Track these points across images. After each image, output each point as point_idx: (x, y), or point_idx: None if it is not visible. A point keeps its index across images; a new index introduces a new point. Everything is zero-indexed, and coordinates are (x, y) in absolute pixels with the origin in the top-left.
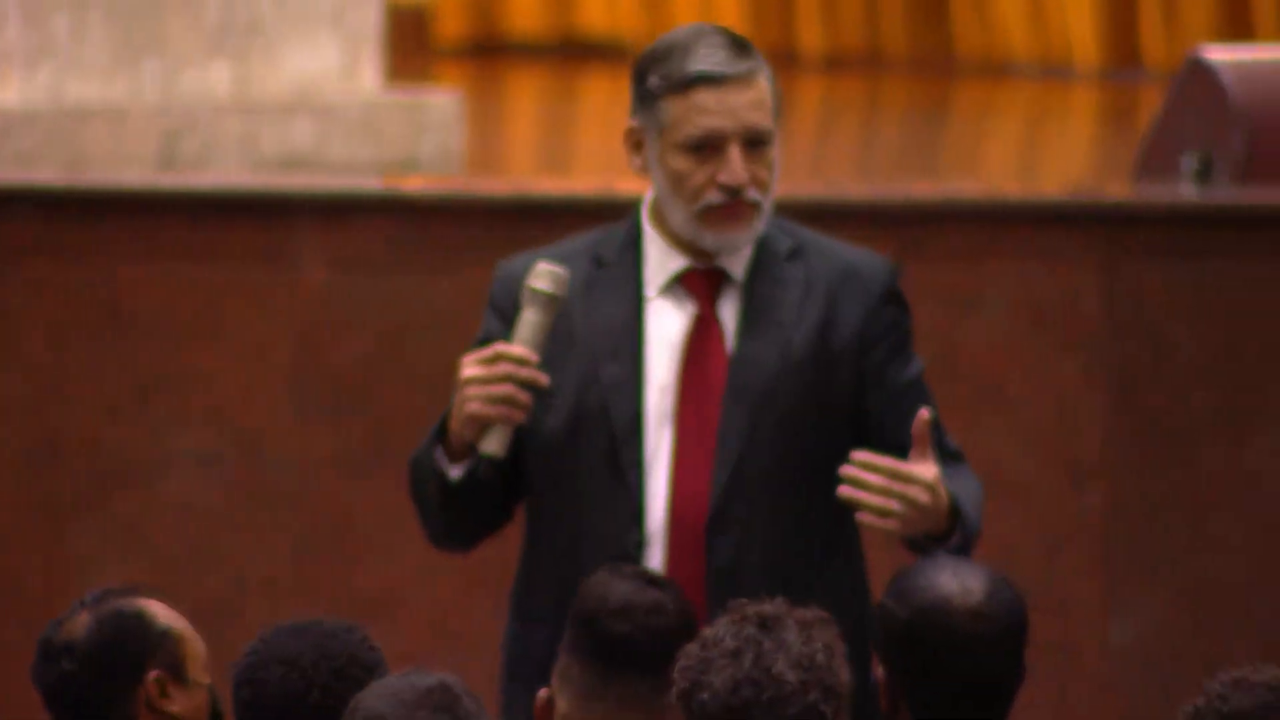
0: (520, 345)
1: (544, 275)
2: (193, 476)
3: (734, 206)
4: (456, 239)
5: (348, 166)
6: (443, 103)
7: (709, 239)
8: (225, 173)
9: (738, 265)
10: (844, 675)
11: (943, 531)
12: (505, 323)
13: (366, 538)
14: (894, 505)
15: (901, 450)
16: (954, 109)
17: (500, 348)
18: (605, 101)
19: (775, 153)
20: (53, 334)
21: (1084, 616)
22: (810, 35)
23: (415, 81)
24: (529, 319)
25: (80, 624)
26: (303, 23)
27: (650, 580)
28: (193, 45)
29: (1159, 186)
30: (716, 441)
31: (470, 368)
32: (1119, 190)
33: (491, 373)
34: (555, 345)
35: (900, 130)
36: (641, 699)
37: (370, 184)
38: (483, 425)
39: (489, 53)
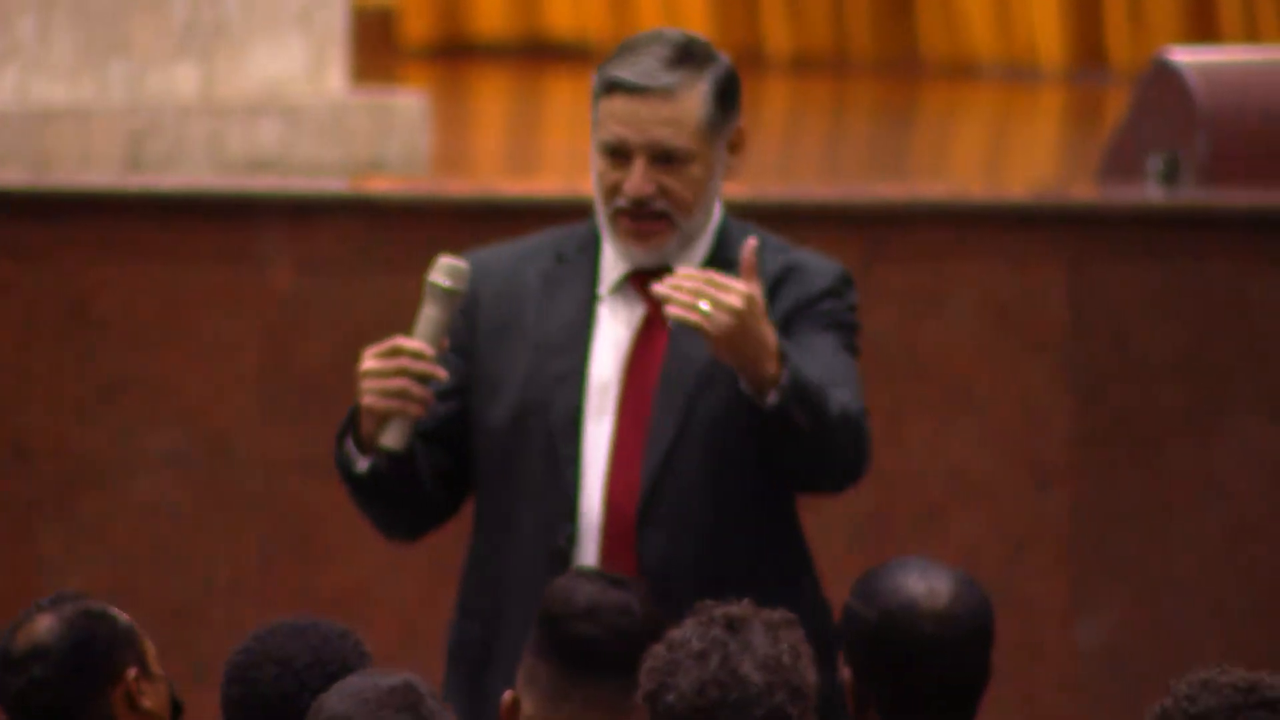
0: (418, 339)
1: (443, 270)
2: (160, 478)
3: (640, 221)
4: (423, 240)
5: (314, 168)
6: (409, 104)
7: (620, 248)
8: (192, 174)
9: (688, 266)
10: (810, 676)
11: (769, 375)
12: (463, 315)
13: (333, 538)
14: (703, 304)
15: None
16: (920, 110)
17: (397, 341)
18: (571, 103)
19: (701, 170)
20: (18, 335)
21: (1049, 617)
22: (776, 36)
23: (381, 83)
24: (427, 313)
25: (44, 628)
26: (269, 24)
27: (616, 581)
28: (159, 46)
29: (1124, 188)
30: (646, 438)
31: (368, 361)
32: (1084, 191)
33: (386, 366)
34: (507, 339)
35: (866, 131)
36: (608, 700)
37: (336, 185)
38: (381, 419)
39: (455, 54)
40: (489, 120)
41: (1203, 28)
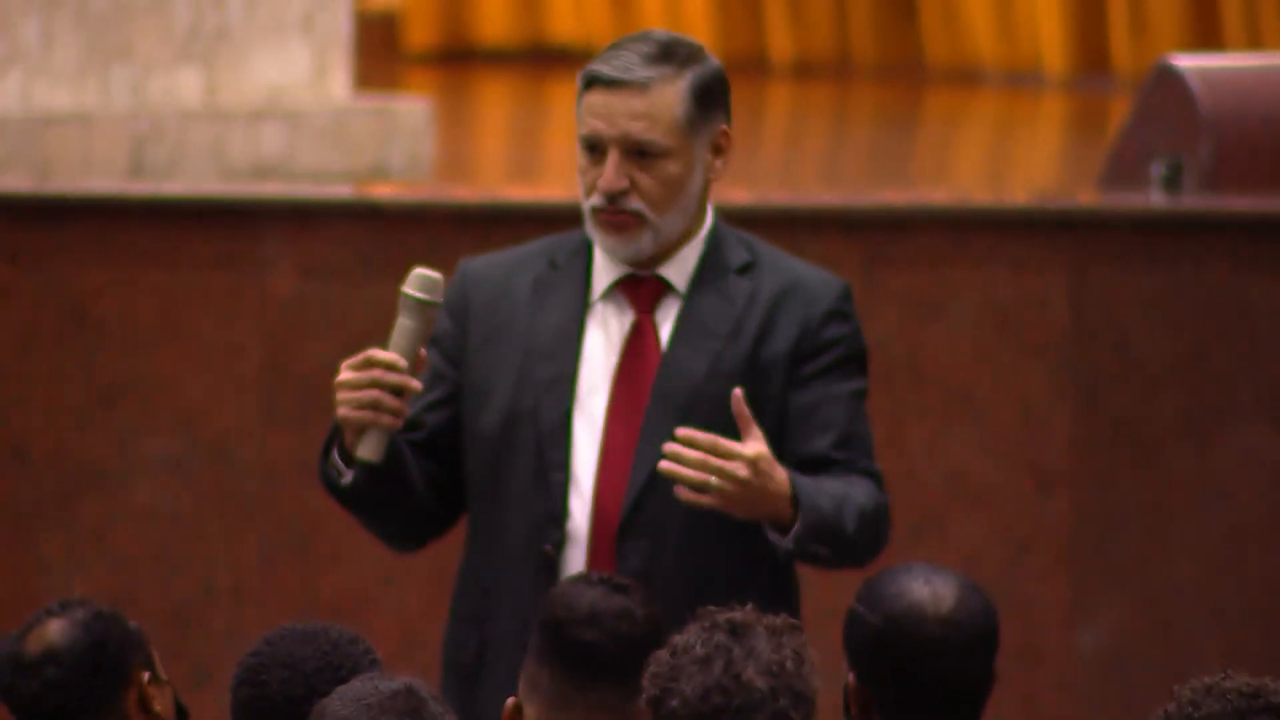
0: (393, 349)
1: (416, 281)
2: (160, 482)
3: (615, 215)
4: (426, 245)
5: (317, 173)
6: (412, 110)
7: (598, 240)
8: (194, 179)
9: (679, 275)
10: (814, 682)
11: (786, 519)
12: (455, 323)
13: (333, 543)
14: (710, 479)
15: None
16: (922, 116)
17: (370, 353)
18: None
19: (678, 169)
20: (20, 340)
21: (1049, 620)
22: (779, 42)
23: (385, 88)
24: (402, 324)
25: (56, 631)
26: (272, 30)
27: (618, 587)
28: (162, 52)
29: (1126, 193)
30: (636, 447)
31: (343, 373)
32: (1086, 197)
33: (359, 377)
34: (498, 346)
35: (869, 137)
36: (611, 706)
37: (339, 191)
38: (358, 430)
39: (458, 59)
40: (492, 125)
41: (1206, 35)
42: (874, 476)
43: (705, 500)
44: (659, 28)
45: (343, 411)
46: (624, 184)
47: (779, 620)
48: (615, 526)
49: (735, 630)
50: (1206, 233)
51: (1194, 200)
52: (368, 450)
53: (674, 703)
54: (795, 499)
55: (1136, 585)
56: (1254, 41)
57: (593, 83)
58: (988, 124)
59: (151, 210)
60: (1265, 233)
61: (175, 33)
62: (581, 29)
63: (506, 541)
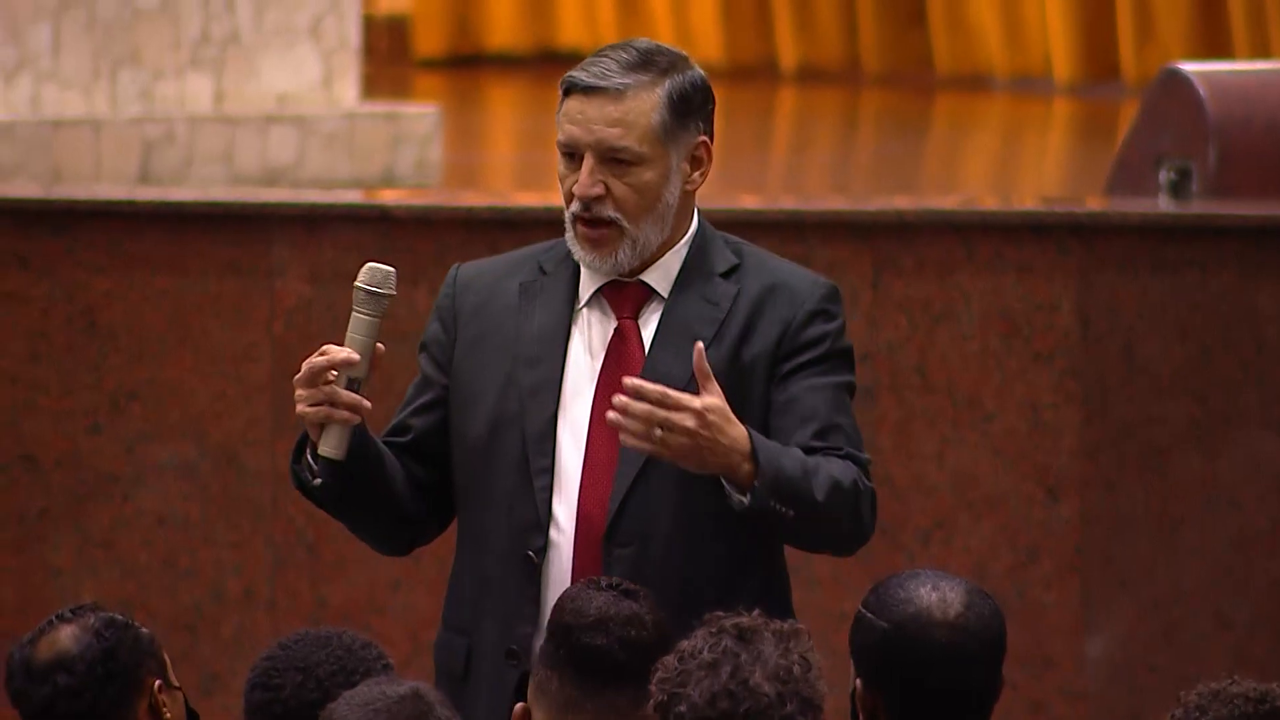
0: (349, 344)
1: (368, 274)
2: (170, 488)
3: (593, 227)
4: (434, 251)
5: (326, 179)
6: (420, 115)
7: (577, 254)
8: (203, 185)
9: (662, 280)
10: (821, 687)
11: (743, 475)
12: (444, 327)
13: (342, 549)
14: (655, 431)
15: None
16: (931, 122)
17: (325, 349)
18: None
19: (653, 177)
20: (30, 346)
21: (1057, 627)
22: (788, 47)
23: (393, 94)
24: (356, 318)
25: (68, 637)
26: (281, 36)
27: (627, 592)
28: (171, 58)
29: (1133, 199)
30: (619, 453)
31: (301, 371)
32: (1094, 203)
33: (313, 374)
34: (486, 351)
35: (878, 143)
36: (620, 711)
37: (348, 196)
38: (319, 427)
39: (466, 65)
40: (500, 131)
41: (1213, 42)
42: (858, 463)
43: (647, 448)
44: (669, 34)
45: (299, 408)
46: (598, 190)
47: (786, 625)
48: (600, 532)
49: (743, 635)
50: (1213, 238)
51: (1201, 206)
52: (329, 446)
53: (682, 708)
54: (754, 455)
55: (1144, 591)
56: (1261, 48)
57: (570, 89)
58: (996, 130)
59: (161, 216)
60: (1272, 238)
61: (185, 39)
62: (590, 34)
63: (492, 547)
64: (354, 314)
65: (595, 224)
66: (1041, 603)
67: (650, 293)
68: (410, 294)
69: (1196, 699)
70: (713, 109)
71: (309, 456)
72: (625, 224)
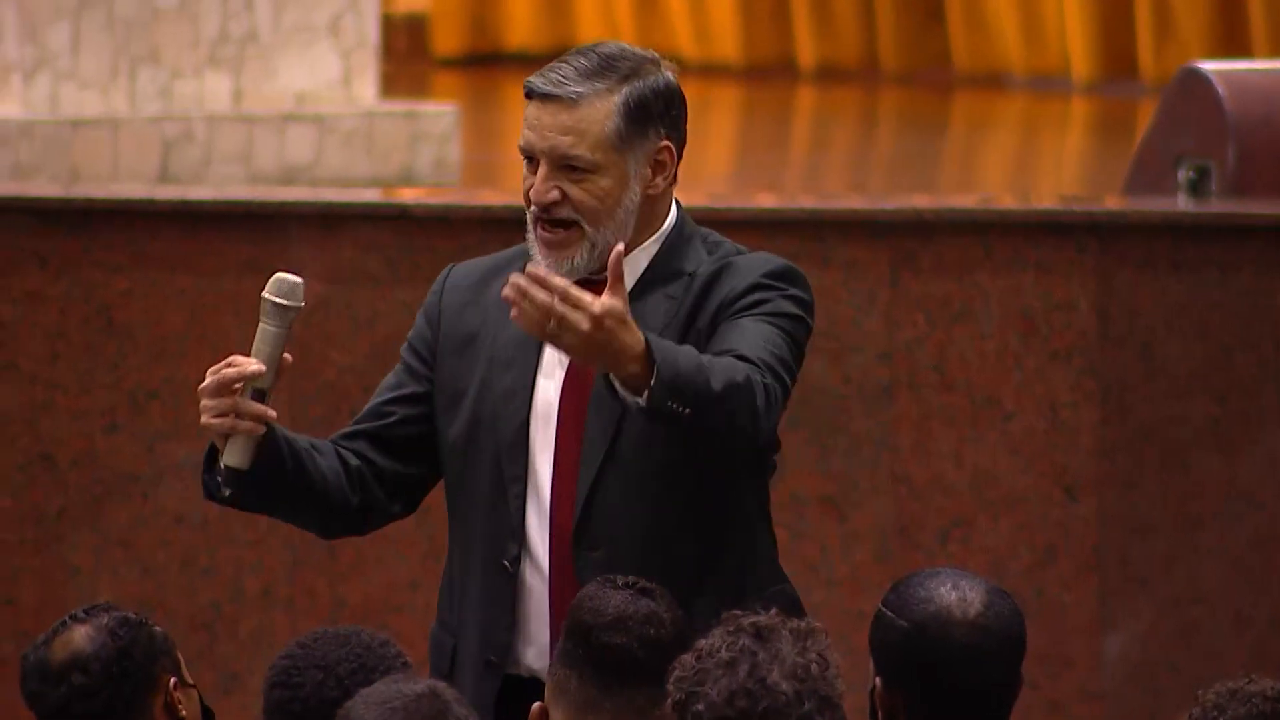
0: (255, 355)
1: (275, 285)
2: (188, 487)
3: (550, 230)
4: (453, 249)
5: (344, 178)
6: (439, 114)
7: (539, 257)
8: (222, 184)
9: (627, 279)
10: (839, 686)
11: (641, 379)
12: (429, 325)
13: (360, 548)
14: (550, 323)
15: None
16: (950, 121)
17: (231, 359)
18: None
19: (611, 183)
20: (48, 346)
21: (1076, 626)
22: (807, 46)
23: (412, 93)
24: (263, 329)
25: (82, 637)
26: (300, 34)
27: (644, 590)
28: (190, 57)
29: (1151, 198)
30: (580, 455)
31: (207, 380)
32: (1112, 202)
33: (217, 385)
34: (468, 352)
35: (896, 142)
36: (638, 709)
37: (367, 195)
38: (224, 437)
39: (485, 63)
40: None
41: (1231, 40)
42: (752, 363)
43: (537, 335)
44: (687, 33)
45: (204, 419)
46: (554, 195)
47: (803, 624)
48: (570, 538)
49: (760, 634)
50: (1232, 237)
51: (1220, 204)
52: (233, 457)
53: (700, 706)
54: (650, 357)
55: (1162, 590)
56: None
57: (529, 95)
58: (1014, 128)
59: (179, 215)
60: None
61: (203, 37)
62: (608, 32)
63: (473, 552)
64: (260, 325)
65: (555, 226)
66: (1060, 602)
67: None
68: (428, 292)
69: (1215, 698)
70: (679, 112)
71: (222, 464)
72: (586, 226)
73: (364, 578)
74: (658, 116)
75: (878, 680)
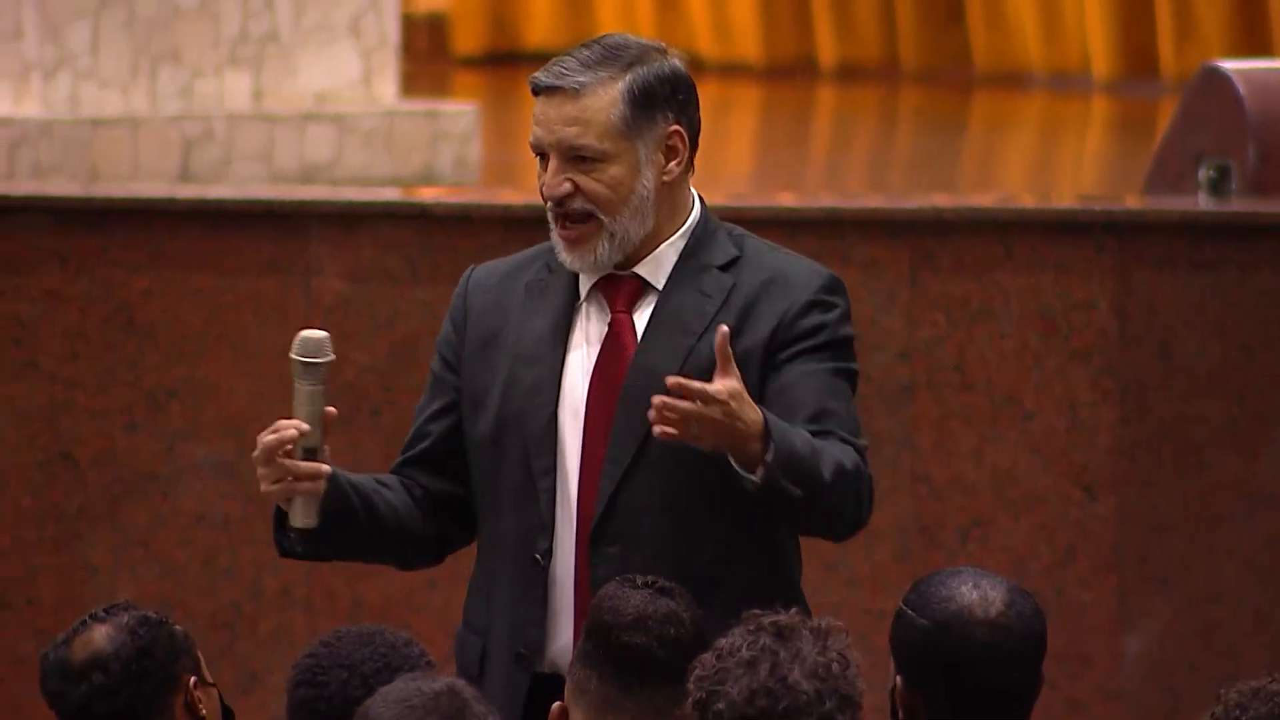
0: (297, 415)
1: (300, 345)
2: (208, 486)
3: (568, 227)
4: (473, 249)
5: (364, 177)
6: (460, 113)
7: (559, 255)
8: (242, 183)
9: (656, 273)
10: (860, 685)
11: (754, 454)
12: (455, 329)
13: None
14: (672, 416)
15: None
16: (969, 119)
17: (277, 425)
18: None
19: (622, 171)
20: (68, 345)
21: (1095, 625)
22: (827, 45)
23: (432, 92)
24: (299, 388)
25: (102, 637)
26: (320, 33)
27: (663, 590)
28: (210, 56)
29: (1171, 197)
30: (606, 451)
31: (257, 450)
32: (1132, 200)
33: (266, 452)
34: (492, 352)
35: (916, 140)
36: (658, 709)
37: (387, 194)
38: (287, 502)
39: (505, 62)
40: None
41: (1252, 39)
42: (855, 448)
43: (687, 440)
44: (707, 31)
45: (262, 487)
46: (566, 189)
47: (824, 623)
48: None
49: (781, 633)
50: (1252, 236)
51: (1240, 203)
52: (299, 518)
53: (720, 705)
54: (767, 434)
55: (1182, 589)
56: None
57: (535, 90)
58: (1034, 127)
59: (199, 214)
60: None
61: (223, 37)
62: (628, 31)
63: (502, 548)
64: (295, 385)
65: (572, 222)
66: (1079, 601)
67: (646, 286)
68: (448, 291)
69: (1236, 697)
70: (686, 97)
71: (290, 525)
72: (602, 216)
73: (382, 578)
74: (664, 101)
75: (898, 679)
